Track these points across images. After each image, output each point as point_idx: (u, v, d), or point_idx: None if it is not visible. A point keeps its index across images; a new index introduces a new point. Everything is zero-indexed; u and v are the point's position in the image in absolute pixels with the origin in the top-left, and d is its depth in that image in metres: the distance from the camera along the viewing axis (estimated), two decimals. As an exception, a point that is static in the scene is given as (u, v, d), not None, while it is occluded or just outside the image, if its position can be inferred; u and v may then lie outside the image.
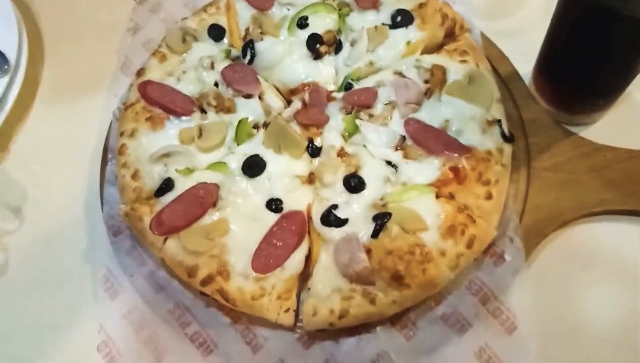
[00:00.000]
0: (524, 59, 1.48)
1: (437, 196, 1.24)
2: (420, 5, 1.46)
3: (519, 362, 1.16)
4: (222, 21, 1.52)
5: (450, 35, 1.47)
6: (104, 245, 1.33)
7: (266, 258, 1.20)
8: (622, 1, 1.08)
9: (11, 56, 1.51)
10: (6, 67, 1.49)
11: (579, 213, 1.30)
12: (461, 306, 1.21)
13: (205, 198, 1.25)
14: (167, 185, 1.28)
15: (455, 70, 1.37)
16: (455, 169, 1.25)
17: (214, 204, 1.25)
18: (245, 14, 1.50)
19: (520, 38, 1.53)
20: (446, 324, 1.20)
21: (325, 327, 1.18)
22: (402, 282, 1.16)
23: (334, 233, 1.22)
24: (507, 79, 1.46)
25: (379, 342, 1.19)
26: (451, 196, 1.25)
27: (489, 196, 1.25)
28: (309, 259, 1.24)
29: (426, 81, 1.37)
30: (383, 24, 1.45)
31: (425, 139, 1.29)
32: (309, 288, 1.21)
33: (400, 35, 1.44)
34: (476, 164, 1.25)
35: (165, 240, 1.24)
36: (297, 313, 1.23)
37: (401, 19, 1.45)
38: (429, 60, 1.39)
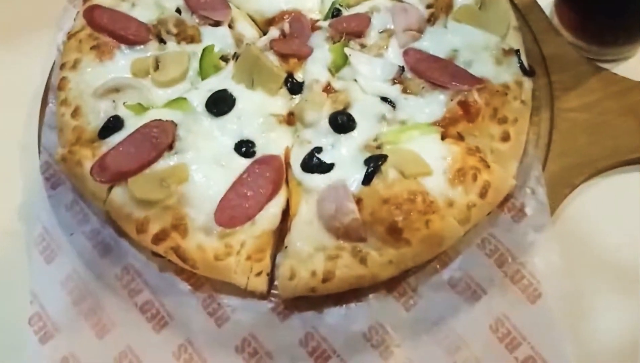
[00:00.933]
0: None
1: (443, 138, 1.02)
2: None
3: (544, 335, 0.93)
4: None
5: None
6: (40, 200, 1.10)
7: (233, 209, 0.98)
8: None
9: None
10: None
11: (612, 160, 1.08)
12: (473, 269, 0.99)
13: (159, 138, 1.02)
14: (114, 124, 1.05)
15: (464, -8, 1.15)
16: (465, 104, 1.03)
17: (171, 147, 1.02)
18: None
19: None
20: (454, 290, 0.98)
21: (306, 293, 0.95)
22: (400, 237, 0.93)
23: (318, 180, 0.99)
24: (524, 9, 1.23)
25: (372, 312, 0.97)
26: (460, 138, 1.02)
27: (505, 138, 1.03)
28: (286, 214, 1.02)
29: (429, 6, 1.15)
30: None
31: (429, 69, 1.07)
32: (286, 247, 0.99)
33: (399, -42, 1.21)
34: (490, 99, 1.03)
35: (111, 189, 1.01)
36: (272, 278, 1.00)
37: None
38: (433, -17, 1.17)
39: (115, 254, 1.04)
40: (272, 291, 1.00)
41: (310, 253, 0.96)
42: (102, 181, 1.00)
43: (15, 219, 1.12)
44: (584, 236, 1.04)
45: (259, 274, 0.97)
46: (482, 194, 0.98)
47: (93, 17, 1.13)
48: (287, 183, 1.04)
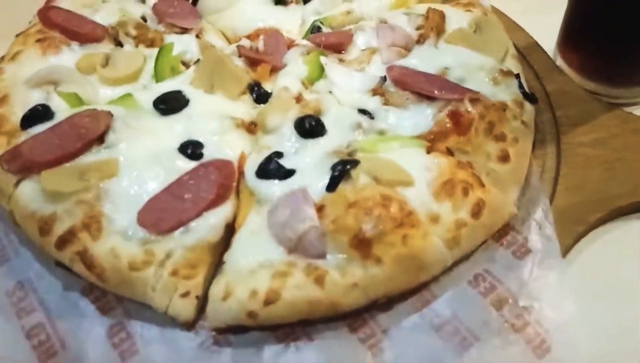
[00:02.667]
0: (545, 35, 1.15)
1: (429, 152, 0.85)
2: (414, -39, 1.16)
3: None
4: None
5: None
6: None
7: (163, 211, 0.78)
8: None
9: None
10: None
11: (635, 198, 0.89)
12: (462, 309, 0.77)
13: (89, 128, 0.85)
14: (41, 113, 0.89)
15: (458, 18, 1.04)
16: (455, 115, 0.87)
17: (102, 140, 0.85)
18: (198, -39, 1.20)
19: (538, 15, 1.21)
20: (437, 335, 0.74)
21: (242, 320, 0.73)
22: (368, 252, 0.73)
23: (274, 188, 0.81)
24: (525, 50, 1.12)
25: (328, 355, 0.73)
26: (449, 153, 0.85)
27: (504, 157, 0.86)
28: (233, 231, 0.82)
29: (418, 28, 1.03)
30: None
31: (415, 81, 0.92)
32: (224, 263, 0.77)
33: (388, -13, 1.13)
34: (485, 111, 0.87)
35: (19, 182, 0.82)
36: (202, 306, 0.77)
37: (390, -28, 1.14)
38: (423, 7, 1.06)
39: (12, 266, 0.83)
40: (200, 321, 0.77)
41: (253, 269, 0.74)
42: (11, 169, 0.82)
43: None
44: (606, 284, 0.82)
45: (185, 295, 0.75)
46: (475, 213, 0.78)
47: (48, 15, 1.02)
48: (237, 194, 0.85)
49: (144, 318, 0.77)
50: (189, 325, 0.76)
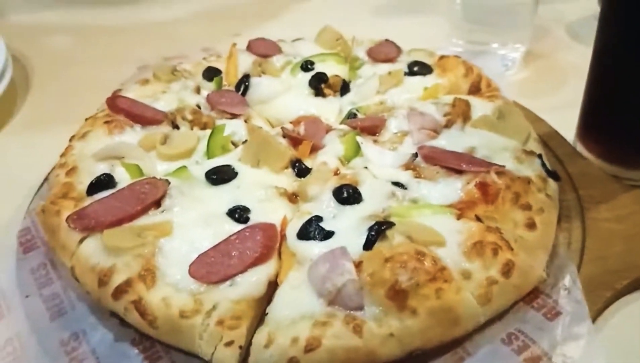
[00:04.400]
0: (564, 126, 1.24)
1: (459, 218, 0.91)
2: (441, 57, 1.30)
3: None
4: (222, 67, 1.37)
5: (477, 92, 1.26)
6: (7, 263, 0.99)
7: (212, 265, 0.85)
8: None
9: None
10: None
11: (659, 267, 0.92)
12: (497, 365, 0.78)
13: (148, 193, 0.94)
14: (105, 181, 0.99)
15: (482, 106, 1.14)
16: (483, 186, 0.94)
17: (158, 204, 0.94)
18: (246, 61, 1.35)
19: (556, 111, 1.30)
20: (473, 389, 0.76)
21: (283, 367, 0.76)
22: (404, 303, 0.77)
23: (314, 249, 0.87)
24: (545, 137, 1.21)
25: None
26: (478, 220, 0.91)
27: (531, 225, 0.91)
28: (275, 289, 0.87)
29: (446, 115, 1.13)
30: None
31: (444, 158, 1.00)
32: (267, 314, 0.82)
33: (418, 81, 1.25)
34: (511, 183, 0.94)
35: (82, 241, 0.90)
36: (245, 356, 0.81)
37: (419, 68, 1.28)
38: (450, 98, 1.17)
39: (68, 318, 0.89)
40: (244, 370, 0.80)
41: (295, 319, 0.79)
42: (76, 228, 0.90)
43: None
44: (631, 347, 0.84)
45: (229, 344, 0.79)
46: (505, 273, 0.83)
47: (115, 102, 1.16)
48: (279, 256, 0.91)
49: (189, 366, 0.81)
50: (232, 374, 0.79)
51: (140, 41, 1.77)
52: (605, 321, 0.88)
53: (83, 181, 1.00)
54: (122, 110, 1.14)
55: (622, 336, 0.86)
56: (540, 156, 1.04)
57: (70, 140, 1.11)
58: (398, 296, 0.77)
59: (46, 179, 1.15)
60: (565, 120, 1.23)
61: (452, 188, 0.96)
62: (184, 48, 1.56)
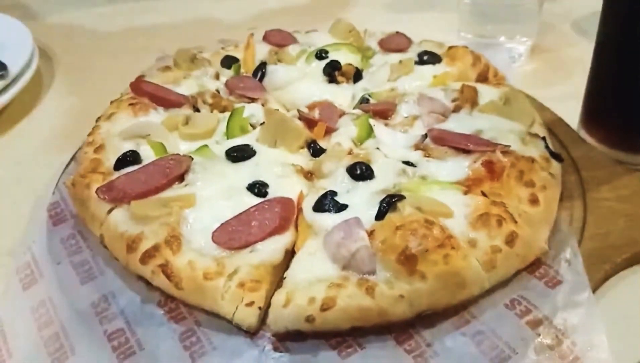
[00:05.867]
0: (567, 115, 1.28)
1: (465, 194, 0.96)
2: (450, 48, 1.35)
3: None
4: (239, 56, 1.43)
5: (484, 81, 1.32)
6: (38, 234, 1.05)
7: (234, 233, 0.90)
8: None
9: (13, 69, 1.44)
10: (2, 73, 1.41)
11: (658, 243, 0.97)
12: (500, 328, 0.83)
13: (172, 168, 1.00)
14: (131, 158, 1.05)
15: (489, 92, 1.20)
16: (489, 163, 0.99)
17: (182, 178, 1.00)
18: (263, 50, 1.41)
19: (561, 101, 1.35)
20: (478, 349, 0.81)
21: (301, 325, 0.81)
22: (413, 268, 0.82)
23: (329, 221, 0.92)
24: (550, 124, 1.25)
25: (374, 361, 0.80)
26: (484, 196, 0.96)
27: (534, 201, 0.96)
28: (292, 257, 0.92)
29: (454, 100, 1.18)
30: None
31: (452, 139, 1.06)
32: (284, 278, 0.87)
33: (427, 69, 1.31)
34: (516, 161, 0.99)
35: (111, 211, 0.96)
36: (264, 317, 0.86)
37: (428, 57, 1.33)
38: (458, 84, 1.22)
39: (97, 283, 0.95)
40: (262, 332, 0.85)
41: (311, 282, 0.84)
42: (105, 199, 0.96)
43: (4, 254, 1.06)
44: (629, 319, 0.88)
45: (249, 304, 0.85)
46: (509, 242, 0.88)
47: (139, 85, 1.22)
48: (296, 227, 0.96)
49: (212, 327, 0.86)
50: (252, 333, 0.85)
51: (159, 35, 1.83)
52: (605, 292, 0.93)
53: (110, 158, 1.06)
54: (146, 93, 1.20)
55: (620, 306, 0.90)
56: (544, 138, 1.08)
57: (97, 121, 1.17)
58: (408, 261, 0.82)
59: (73, 158, 1.21)
60: (570, 110, 1.28)
61: (460, 166, 1.01)
62: (202, 39, 1.62)
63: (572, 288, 0.88)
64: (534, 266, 0.92)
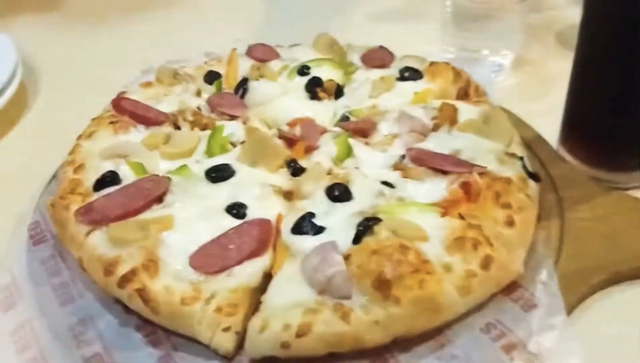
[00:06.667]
0: (548, 131, 1.30)
1: (443, 216, 0.97)
2: (431, 64, 1.36)
3: None
4: (222, 71, 1.43)
5: (465, 97, 1.32)
6: (18, 255, 1.05)
7: (211, 257, 0.91)
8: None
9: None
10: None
11: (635, 263, 0.98)
12: (475, 351, 0.84)
13: (151, 189, 1.01)
14: (111, 179, 1.05)
15: (469, 111, 1.20)
16: (466, 185, 1.00)
17: (160, 200, 1.00)
18: (246, 65, 1.41)
19: (541, 117, 1.36)
20: (452, 372, 0.82)
21: (276, 350, 0.82)
22: (388, 293, 0.83)
23: (307, 243, 0.93)
24: (530, 142, 1.26)
25: (350, 386, 0.81)
26: (461, 218, 0.97)
27: (510, 223, 0.97)
28: (269, 280, 0.93)
29: (434, 118, 1.19)
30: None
31: (430, 159, 1.06)
32: (261, 303, 0.88)
33: (408, 86, 1.31)
34: (492, 183, 1.00)
35: (90, 233, 0.96)
36: (241, 342, 0.87)
37: (409, 74, 1.34)
38: (438, 102, 1.23)
39: (76, 306, 0.95)
40: (238, 357, 0.86)
41: (287, 307, 0.85)
42: (84, 221, 0.96)
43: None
44: (603, 341, 0.90)
45: (226, 329, 0.85)
46: (484, 266, 0.88)
47: (120, 103, 1.22)
48: (274, 249, 0.97)
49: (189, 352, 0.87)
50: (229, 358, 0.85)
51: (143, 47, 1.83)
52: (580, 313, 0.94)
53: (90, 178, 1.06)
54: (127, 111, 1.20)
55: (595, 329, 0.91)
56: (521, 158, 1.09)
57: (78, 139, 1.17)
58: (383, 286, 0.83)
59: (54, 176, 1.21)
60: (551, 125, 1.29)
61: (437, 188, 1.02)
62: (186, 51, 1.63)
63: (547, 311, 0.89)
64: (510, 288, 0.93)
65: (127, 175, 1.07)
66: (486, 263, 0.89)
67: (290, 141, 1.15)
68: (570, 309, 0.92)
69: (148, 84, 1.33)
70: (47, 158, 1.28)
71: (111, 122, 1.17)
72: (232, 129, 1.18)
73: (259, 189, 1.04)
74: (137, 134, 1.16)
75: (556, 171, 1.18)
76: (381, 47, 1.46)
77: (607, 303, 0.96)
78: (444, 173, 1.03)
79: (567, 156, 1.24)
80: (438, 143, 1.13)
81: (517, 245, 0.96)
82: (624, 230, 1.04)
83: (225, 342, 0.84)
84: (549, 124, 1.29)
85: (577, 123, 1.24)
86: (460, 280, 0.86)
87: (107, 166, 1.08)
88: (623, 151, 1.17)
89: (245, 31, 1.80)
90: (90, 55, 1.83)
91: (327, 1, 2.06)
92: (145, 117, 1.18)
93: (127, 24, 2.01)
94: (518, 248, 0.96)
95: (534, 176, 1.08)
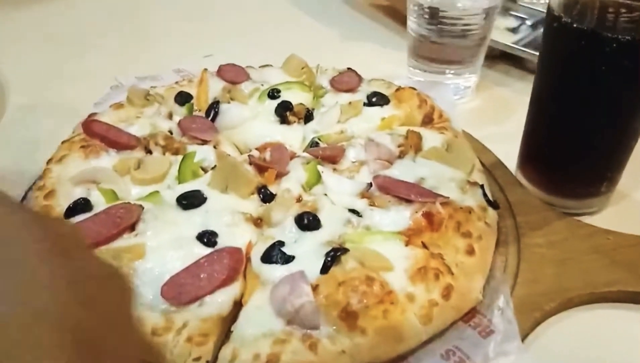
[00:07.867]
0: (507, 157, 1.36)
1: (407, 245, 1.01)
2: (398, 89, 1.41)
3: None
4: (193, 92, 1.45)
5: (429, 122, 1.37)
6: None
7: (182, 287, 0.93)
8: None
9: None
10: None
11: (584, 290, 1.05)
12: (435, 378, 0.89)
13: (123, 218, 1.02)
14: (82, 206, 1.06)
15: (433, 138, 1.25)
16: (429, 215, 1.04)
17: (133, 228, 1.02)
18: (216, 87, 1.43)
19: (501, 143, 1.41)
20: (414, 399, 0.86)
21: (246, 380, 0.85)
22: (354, 323, 0.87)
23: (276, 273, 0.96)
24: (491, 167, 1.33)
25: (318, 415, 0.84)
26: (424, 247, 1.01)
27: (470, 251, 1.02)
28: (240, 308, 0.96)
29: (400, 145, 1.23)
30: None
31: (395, 188, 1.11)
32: (232, 332, 0.91)
33: (375, 112, 1.36)
34: (454, 213, 1.05)
35: (61, 261, 0.97)
36: (212, 370, 0.90)
37: (377, 99, 1.38)
38: (404, 129, 1.28)
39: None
40: (210, 385, 0.89)
41: (257, 337, 0.88)
42: (55, 250, 0.97)
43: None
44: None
45: (197, 359, 0.88)
46: (445, 296, 0.93)
47: (90, 126, 1.22)
48: (245, 277, 1.00)
49: (160, 380, 0.89)
50: (200, 387, 0.88)
51: (112, 62, 1.83)
52: (534, 339, 1.00)
53: (61, 204, 1.07)
54: (98, 135, 1.21)
55: (549, 353, 0.97)
56: (482, 186, 1.15)
57: (48, 163, 1.17)
58: (349, 317, 0.87)
59: (24, 197, 1.21)
60: (511, 149, 1.35)
61: (402, 216, 1.06)
62: (157, 68, 1.64)
63: (504, 336, 0.94)
64: (469, 314, 0.98)
65: (99, 201, 1.08)
66: (447, 292, 0.93)
67: (260, 167, 1.17)
68: (524, 334, 0.98)
69: (119, 106, 1.34)
70: (15, 178, 1.29)
71: (82, 146, 1.18)
72: (204, 154, 1.20)
73: (230, 216, 1.06)
74: (108, 159, 1.17)
75: (514, 196, 1.24)
76: (350, 69, 1.50)
77: (559, 328, 1.02)
78: (409, 201, 1.08)
79: (524, 181, 1.30)
80: (403, 171, 1.17)
81: (476, 272, 1.01)
82: (575, 257, 1.11)
83: (196, 371, 0.87)
84: (509, 147, 1.35)
85: (533, 151, 1.30)
86: (422, 309, 0.91)
87: (79, 193, 1.09)
88: (575, 179, 1.24)
89: (215, 48, 1.82)
90: (60, 70, 1.82)
91: (300, 20, 2.10)
92: (116, 142, 1.19)
93: (99, 36, 2.00)
94: (477, 276, 1.01)
95: (493, 205, 1.13)
